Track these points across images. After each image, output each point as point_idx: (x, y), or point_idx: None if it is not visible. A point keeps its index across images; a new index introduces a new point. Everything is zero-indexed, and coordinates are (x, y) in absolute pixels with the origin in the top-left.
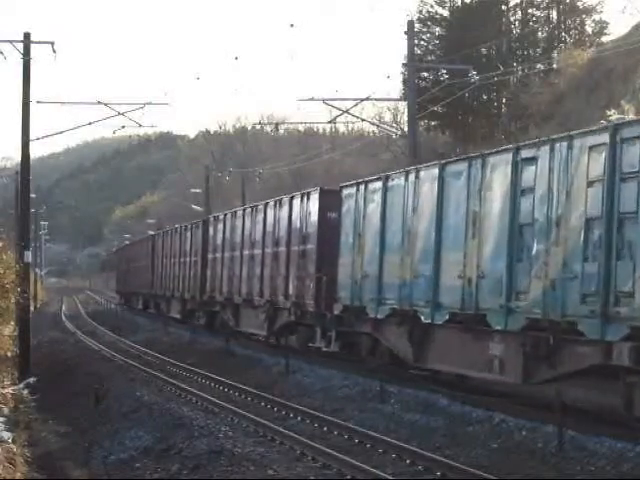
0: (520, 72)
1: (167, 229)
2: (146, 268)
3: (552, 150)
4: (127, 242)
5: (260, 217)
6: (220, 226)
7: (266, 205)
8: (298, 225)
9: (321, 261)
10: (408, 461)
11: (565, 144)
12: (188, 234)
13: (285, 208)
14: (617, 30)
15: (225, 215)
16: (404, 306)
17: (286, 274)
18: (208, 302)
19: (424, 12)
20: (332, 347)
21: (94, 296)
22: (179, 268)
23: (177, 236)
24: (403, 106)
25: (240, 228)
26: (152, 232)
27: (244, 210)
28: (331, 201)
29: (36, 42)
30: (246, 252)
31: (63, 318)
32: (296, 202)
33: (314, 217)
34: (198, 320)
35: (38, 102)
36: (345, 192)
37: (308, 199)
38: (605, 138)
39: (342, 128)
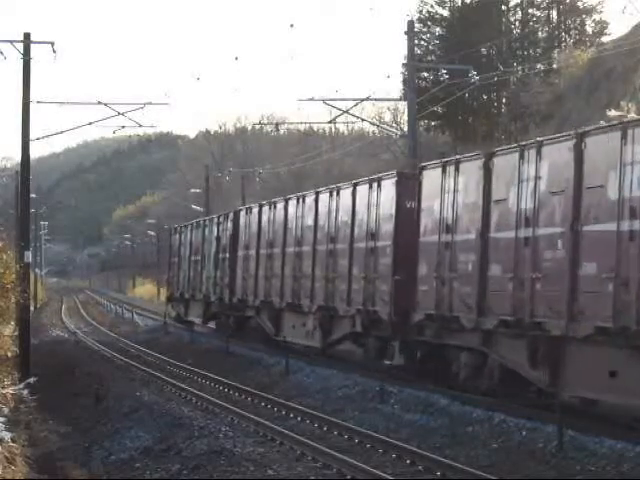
0: (520, 72)
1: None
2: (340, 254)
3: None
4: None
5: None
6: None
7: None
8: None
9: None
10: (408, 461)
11: None
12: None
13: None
14: (617, 30)
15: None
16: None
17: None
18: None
19: (424, 12)
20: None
21: (98, 298)
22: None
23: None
24: (403, 106)
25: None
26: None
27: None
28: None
29: (36, 42)
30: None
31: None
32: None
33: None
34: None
35: (38, 102)
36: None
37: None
38: None
39: (342, 128)
